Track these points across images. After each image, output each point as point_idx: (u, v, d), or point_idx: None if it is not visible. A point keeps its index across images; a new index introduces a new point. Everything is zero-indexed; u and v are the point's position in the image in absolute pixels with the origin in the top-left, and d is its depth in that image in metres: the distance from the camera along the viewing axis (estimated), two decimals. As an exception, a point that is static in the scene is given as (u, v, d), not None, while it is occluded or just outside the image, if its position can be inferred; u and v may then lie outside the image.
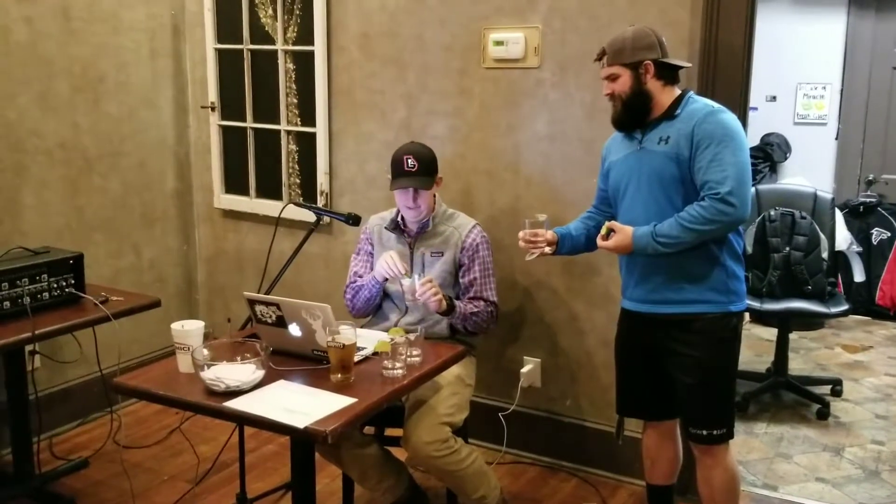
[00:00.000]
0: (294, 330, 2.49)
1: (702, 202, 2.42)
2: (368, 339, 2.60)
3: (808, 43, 6.30)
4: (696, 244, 2.47)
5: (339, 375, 2.35)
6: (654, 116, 2.57)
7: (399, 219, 3.06)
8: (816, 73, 6.32)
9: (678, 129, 2.50)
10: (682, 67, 2.63)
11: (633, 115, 2.58)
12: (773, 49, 6.24)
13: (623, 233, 2.53)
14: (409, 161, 2.92)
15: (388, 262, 2.87)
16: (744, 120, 3.07)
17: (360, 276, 3.08)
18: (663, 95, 2.56)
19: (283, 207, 3.24)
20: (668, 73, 2.58)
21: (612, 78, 2.57)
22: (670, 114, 2.54)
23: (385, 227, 3.08)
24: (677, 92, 2.59)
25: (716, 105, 2.54)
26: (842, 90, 6.29)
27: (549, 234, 2.74)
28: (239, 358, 2.38)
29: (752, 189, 4.58)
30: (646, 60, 2.53)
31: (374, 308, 3.08)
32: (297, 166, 4.08)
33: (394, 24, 3.65)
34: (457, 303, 2.91)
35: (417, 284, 2.79)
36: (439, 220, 3.04)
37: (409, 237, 3.05)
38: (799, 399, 4.37)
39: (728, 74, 3.01)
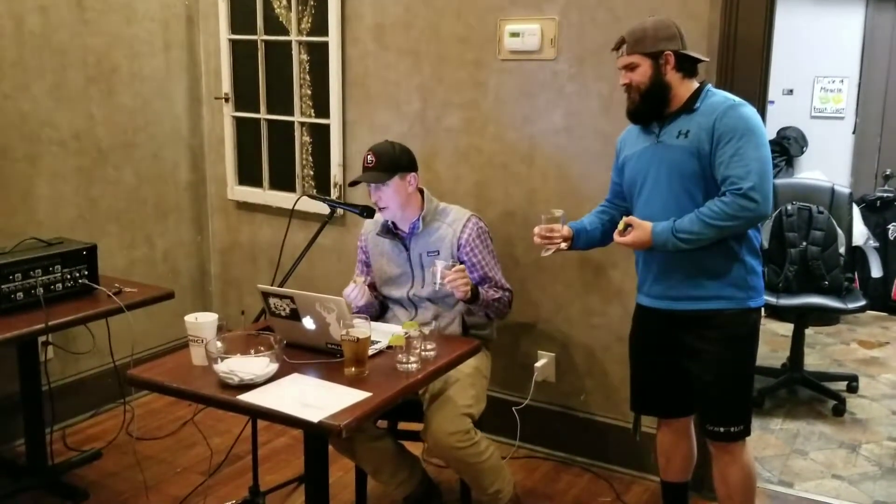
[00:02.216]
0: (308, 323, 2.47)
1: (723, 198, 2.38)
2: (383, 333, 2.58)
3: (825, 36, 6.25)
4: (716, 241, 2.44)
5: (354, 369, 2.34)
6: (671, 109, 2.53)
7: (390, 222, 3.00)
8: (834, 66, 6.27)
9: (698, 123, 2.46)
10: (701, 61, 2.58)
11: (651, 107, 2.53)
12: (790, 42, 6.18)
13: (641, 228, 2.48)
14: (369, 157, 2.87)
15: (354, 293, 2.86)
16: (763, 113, 3.04)
17: None
18: (682, 88, 2.52)
19: (297, 199, 3.23)
20: (688, 66, 2.53)
21: (631, 67, 2.52)
22: (689, 107, 2.50)
23: (377, 234, 3.02)
24: (695, 85, 2.55)
25: (736, 98, 2.49)
26: (859, 84, 6.24)
27: (566, 230, 2.71)
28: (253, 351, 2.37)
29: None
30: (666, 51, 2.49)
31: (379, 311, 3.04)
32: (310, 158, 4.06)
33: (409, 15, 3.63)
34: (480, 290, 2.85)
35: (448, 270, 2.72)
36: (430, 217, 2.96)
37: (402, 239, 2.98)
38: (815, 395, 4.34)
39: (747, 67, 2.97)
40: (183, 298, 4.24)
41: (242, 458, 3.41)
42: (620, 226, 2.53)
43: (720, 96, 2.51)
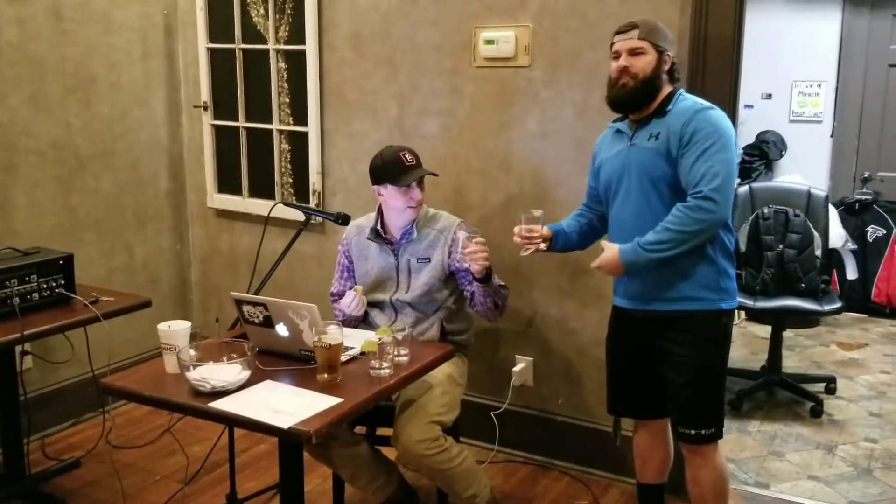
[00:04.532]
0: (281, 330, 2.48)
1: (686, 203, 2.41)
2: (356, 339, 2.59)
3: (803, 40, 6.29)
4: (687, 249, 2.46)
5: (326, 375, 2.35)
6: (647, 112, 2.56)
7: (379, 226, 3.02)
8: (812, 70, 6.31)
9: (668, 126, 2.49)
10: (679, 78, 2.64)
11: (642, 98, 2.53)
12: (768, 47, 6.25)
13: (609, 249, 2.52)
14: (408, 156, 2.90)
15: (353, 303, 2.90)
16: (733, 117, 3.07)
17: (341, 296, 3.05)
18: (662, 91, 2.56)
19: (272, 207, 3.23)
20: (675, 75, 2.59)
21: (638, 52, 2.52)
22: (661, 110, 2.54)
23: (366, 238, 3.03)
24: (669, 89, 2.59)
25: (705, 103, 2.53)
26: (837, 87, 6.28)
27: (545, 231, 2.72)
28: (225, 358, 2.38)
29: (747, 187, 4.62)
30: (669, 51, 2.55)
31: (361, 318, 3.06)
32: (289, 165, 4.08)
33: (386, 23, 3.65)
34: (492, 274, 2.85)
35: (470, 241, 2.74)
36: (422, 223, 2.99)
37: (391, 244, 3.01)
38: (793, 397, 4.37)
39: (717, 72, 3.01)
40: (163, 307, 4.26)
41: (222, 466, 3.41)
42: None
43: (690, 101, 2.54)
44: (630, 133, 2.60)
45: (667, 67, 2.55)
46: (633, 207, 2.57)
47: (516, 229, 2.68)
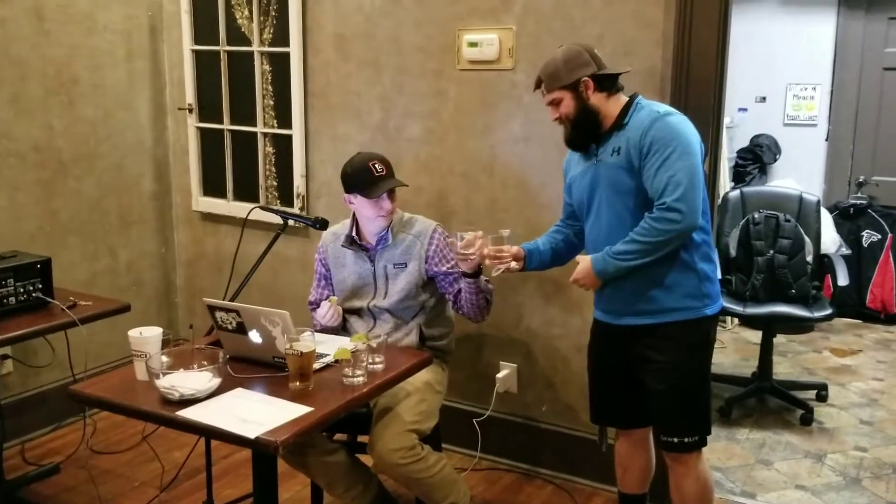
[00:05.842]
0: (254, 337, 2.44)
1: (651, 214, 2.38)
2: (331, 346, 2.55)
3: (797, 43, 6.25)
4: (661, 256, 2.42)
5: (298, 383, 2.31)
6: (605, 128, 2.53)
7: (354, 234, 2.97)
8: (806, 73, 6.27)
9: (628, 139, 2.46)
10: (621, 74, 2.57)
11: (585, 133, 2.54)
12: (762, 50, 6.22)
13: (583, 261, 2.54)
14: (378, 166, 2.85)
15: (327, 315, 2.86)
16: (718, 128, 3.03)
17: (319, 305, 3.00)
18: (610, 106, 2.52)
19: (250, 211, 3.19)
20: (609, 84, 2.53)
21: (556, 103, 2.54)
22: (619, 123, 2.50)
23: (342, 245, 2.99)
24: (625, 99, 2.55)
25: (662, 109, 2.48)
26: (832, 91, 6.23)
27: (515, 249, 2.70)
28: (196, 365, 2.34)
29: (738, 192, 4.57)
30: (583, 78, 2.49)
31: (340, 325, 3.02)
32: (273, 168, 4.04)
33: (370, 25, 3.61)
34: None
35: (472, 239, 2.66)
36: (397, 228, 2.94)
37: (367, 251, 2.96)
38: (783, 404, 4.32)
39: (702, 77, 2.95)
40: (147, 311, 4.24)
41: (201, 472, 3.36)
42: None
43: (647, 109, 2.49)
44: (595, 149, 2.57)
45: (591, 90, 2.49)
46: (605, 224, 2.55)
47: (485, 251, 2.66)
